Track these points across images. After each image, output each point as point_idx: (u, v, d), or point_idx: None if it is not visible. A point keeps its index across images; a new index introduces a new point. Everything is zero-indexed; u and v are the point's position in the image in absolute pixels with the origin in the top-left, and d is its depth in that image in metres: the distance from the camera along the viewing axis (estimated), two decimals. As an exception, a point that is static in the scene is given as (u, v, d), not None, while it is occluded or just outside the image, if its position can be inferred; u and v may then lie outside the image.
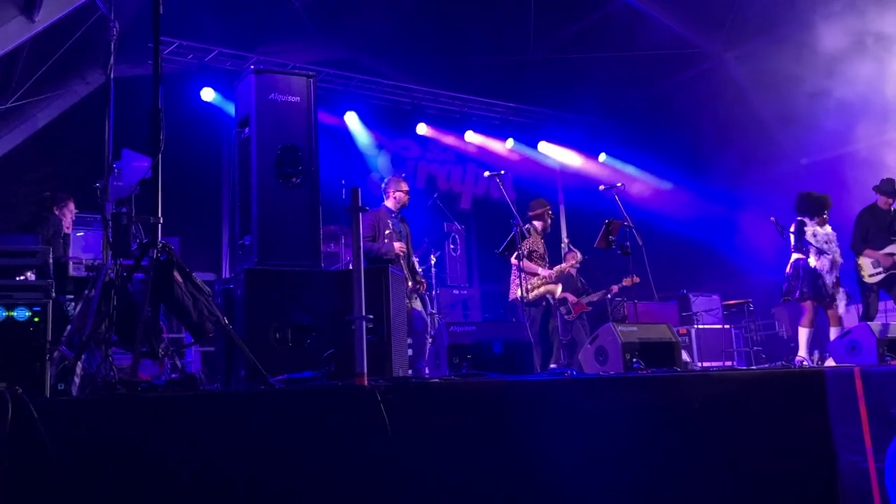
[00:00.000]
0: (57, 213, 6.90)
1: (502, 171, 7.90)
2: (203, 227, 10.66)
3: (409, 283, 6.89)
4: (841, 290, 7.77)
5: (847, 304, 7.86)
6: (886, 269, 7.91)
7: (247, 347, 3.62)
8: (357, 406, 3.08)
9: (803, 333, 7.85)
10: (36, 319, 2.73)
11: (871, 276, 7.99)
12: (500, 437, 3.40)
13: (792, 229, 8.00)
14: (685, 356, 9.52)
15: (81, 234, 8.19)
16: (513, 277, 7.87)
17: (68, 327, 3.54)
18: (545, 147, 13.98)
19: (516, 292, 7.68)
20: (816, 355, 7.98)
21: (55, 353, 3.14)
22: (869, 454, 4.23)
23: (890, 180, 8.23)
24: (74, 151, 8.33)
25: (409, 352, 6.43)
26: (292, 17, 10.51)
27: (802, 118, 10.89)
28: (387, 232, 6.95)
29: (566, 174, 14.36)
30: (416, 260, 7.68)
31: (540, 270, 7.78)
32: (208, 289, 3.80)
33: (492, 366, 5.47)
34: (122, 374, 3.22)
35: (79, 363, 3.16)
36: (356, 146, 12.21)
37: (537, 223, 8.12)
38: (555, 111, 13.77)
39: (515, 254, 7.51)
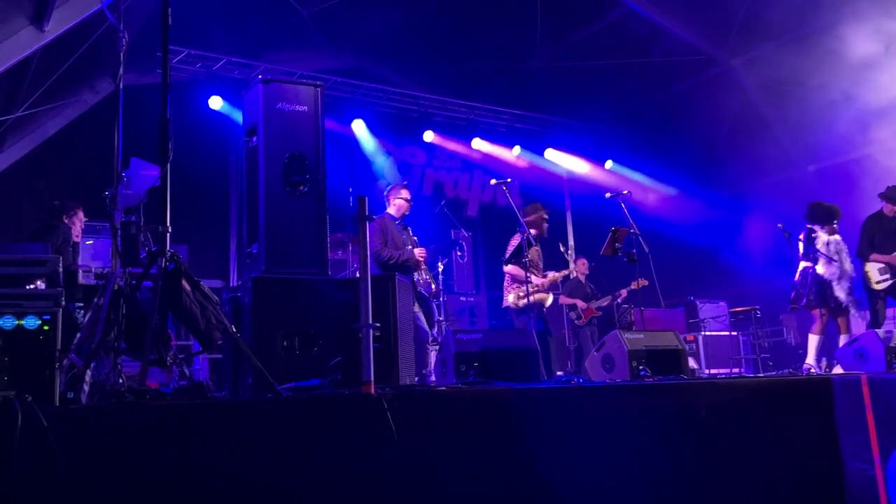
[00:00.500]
0: (66, 221, 6.91)
1: (509, 179, 7.89)
2: (211, 234, 10.71)
3: (434, 287, 6.93)
4: (853, 299, 7.77)
5: (857, 310, 7.87)
6: (894, 273, 7.89)
7: (254, 355, 3.64)
8: (364, 414, 3.09)
9: (813, 341, 7.87)
10: (46, 328, 2.74)
11: (878, 283, 7.97)
12: (506, 445, 3.41)
13: (801, 237, 8.01)
14: (692, 363, 9.52)
15: (90, 242, 8.24)
16: (506, 284, 7.97)
17: (78, 335, 3.56)
18: (552, 154, 13.98)
19: (508, 299, 7.82)
20: (824, 362, 7.96)
21: (64, 361, 3.17)
22: (876, 462, 4.22)
23: (896, 188, 8.23)
24: (84, 160, 8.36)
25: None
26: (300, 25, 10.54)
27: (810, 124, 10.89)
28: (411, 240, 7.02)
29: (573, 181, 14.37)
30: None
31: (532, 279, 7.74)
32: (216, 297, 3.82)
33: (498, 374, 5.47)
34: (131, 381, 3.24)
35: (88, 371, 3.19)
36: (363, 154, 12.23)
37: (532, 230, 8.02)
38: (561, 118, 13.78)
39: (522, 261, 7.51)
